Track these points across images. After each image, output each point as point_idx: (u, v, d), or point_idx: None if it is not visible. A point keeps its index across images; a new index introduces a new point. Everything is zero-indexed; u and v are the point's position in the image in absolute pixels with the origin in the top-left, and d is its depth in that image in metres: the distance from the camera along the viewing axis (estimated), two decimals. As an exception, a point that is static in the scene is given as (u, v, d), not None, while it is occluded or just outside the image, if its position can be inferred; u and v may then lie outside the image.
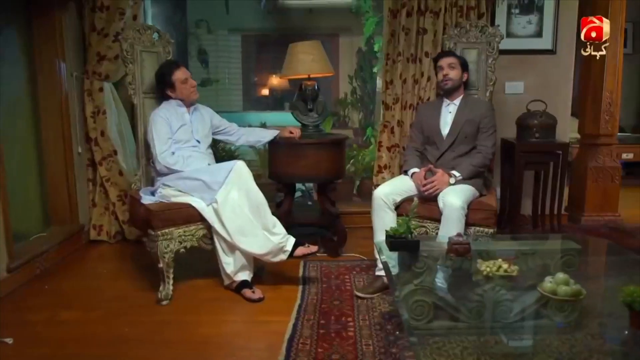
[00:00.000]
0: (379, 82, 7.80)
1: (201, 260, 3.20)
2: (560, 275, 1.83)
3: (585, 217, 4.09)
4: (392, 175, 3.89)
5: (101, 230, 3.79)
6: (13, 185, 3.05)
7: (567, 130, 3.99)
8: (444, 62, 3.05)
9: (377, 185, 3.92)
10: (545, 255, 2.46)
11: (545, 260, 2.43)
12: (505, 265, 2.02)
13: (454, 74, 3.02)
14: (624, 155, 5.21)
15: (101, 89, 3.64)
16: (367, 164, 4.51)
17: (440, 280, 2.26)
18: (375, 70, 7.41)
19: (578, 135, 4.57)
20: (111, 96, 3.73)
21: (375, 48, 7.35)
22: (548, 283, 1.83)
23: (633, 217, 4.21)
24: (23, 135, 3.43)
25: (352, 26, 8.38)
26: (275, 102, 9.08)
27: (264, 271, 3.15)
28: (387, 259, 2.33)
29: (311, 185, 4.67)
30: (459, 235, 2.26)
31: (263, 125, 4.93)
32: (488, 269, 2.02)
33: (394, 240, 2.28)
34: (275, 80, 8.00)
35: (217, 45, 8.89)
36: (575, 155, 4.30)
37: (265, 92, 9.22)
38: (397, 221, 2.38)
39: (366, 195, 4.40)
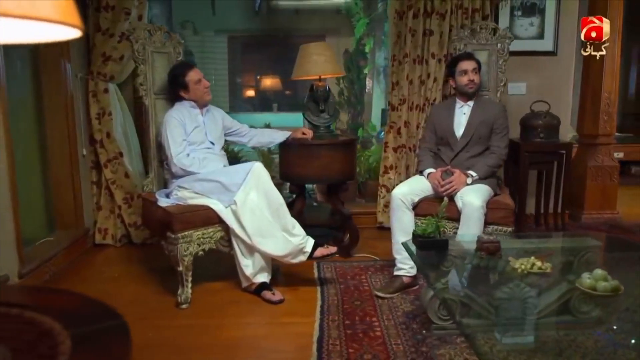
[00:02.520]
0: (369, 83, 7.86)
1: (214, 263, 3.17)
2: (599, 271, 1.87)
3: (585, 215, 4.18)
4: (399, 176, 3.92)
5: (106, 233, 3.72)
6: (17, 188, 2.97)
7: (568, 131, 4.08)
8: (469, 65, 3.05)
9: (384, 185, 3.97)
10: (568, 253, 2.51)
11: (568, 257, 2.49)
12: (539, 263, 2.06)
13: (478, 78, 3.06)
14: (615, 155, 5.33)
15: (106, 90, 3.58)
16: (370, 165, 4.53)
17: (467, 279, 2.29)
18: (365, 71, 7.45)
19: (572, 135, 4.68)
20: (116, 97, 3.67)
21: (366, 49, 7.39)
22: (587, 279, 1.87)
23: (629, 214, 4.32)
24: (27, 137, 3.34)
25: (338, 27, 8.42)
26: (264, 103, 9.06)
27: (279, 273, 3.14)
28: (415, 259, 2.35)
29: (311, 186, 4.67)
30: (488, 233, 2.29)
31: (268, 127, 4.90)
32: (523, 267, 2.05)
33: (423, 240, 2.30)
34: (268, 81, 7.97)
35: (204, 46, 8.83)
36: (574, 154, 4.39)
37: (251, 93, 9.20)
38: (425, 221, 2.41)
39: (369, 196, 4.41)
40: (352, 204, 4.43)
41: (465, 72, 3.04)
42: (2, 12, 0.42)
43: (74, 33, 0.55)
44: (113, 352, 0.69)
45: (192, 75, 3.01)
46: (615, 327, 2.03)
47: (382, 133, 6.51)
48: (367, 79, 7.58)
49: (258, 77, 9.31)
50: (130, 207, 3.69)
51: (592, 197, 4.17)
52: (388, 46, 7.01)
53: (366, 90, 7.61)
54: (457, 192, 2.85)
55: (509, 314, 2.08)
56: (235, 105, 8.90)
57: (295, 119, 7.66)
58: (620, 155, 5.44)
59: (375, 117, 7.38)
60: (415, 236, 2.35)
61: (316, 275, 3.16)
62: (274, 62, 9.18)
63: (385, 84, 7.46)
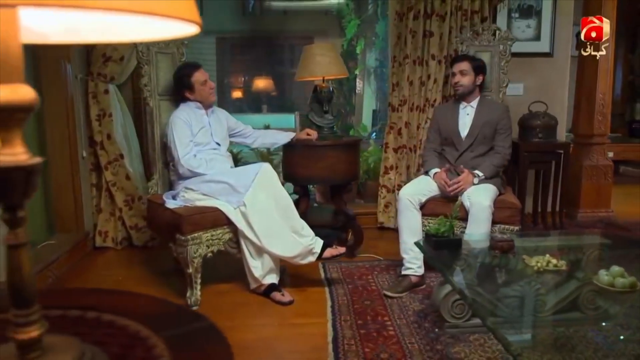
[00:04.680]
0: (359, 84, 7.88)
1: (220, 264, 3.15)
2: (616, 268, 1.91)
3: (581, 213, 4.26)
4: (400, 176, 3.95)
5: (107, 236, 3.67)
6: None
7: (565, 131, 4.15)
8: (456, 68, 3.12)
9: (384, 186, 4.00)
10: (577, 250, 2.56)
11: (578, 254, 2.53)
12: (554, 260, 2.10)
13: (465, 80, 3.09)
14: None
15: (106, 91, 3.54)
16: (369, 166, 4.55)
17: (483, 278, 2.31)
18: (356, 72, 7.47)
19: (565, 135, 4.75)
20: (116, 98, 3.63)
21: (357, 50, 7.42)
22: (604, 276, 1.91)
23: (622, 212, 4.41)
24: (26, 139, 3.27)
25: (326, 29, 8.43)
26: (252, 104, 9.04)
27: (286, 274, 3.13)
28: (429, 258, 2.37)
29: (310, 187, 4.66)
30: (502, 232, 2.32)
31: (267, 128, 4.89)
32: (539, 264, 2.08)
33: (438, 240, 2.33)
34: (260, 82, 7.94)
35: (191, 47, 8.75)
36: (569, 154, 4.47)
37: (238, 94, 9.17)
38: (438, 220, 2.43)
39: (369, 197, 4.43)
40: (351, 204, 4.44)
41: (454, 74, 3.12)
42: (148, 11, 0.42)
43: (195, 30, 0.55)
44: (215, 353, 0.68)
45: (198, 76, 3.00)
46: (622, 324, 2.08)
47: (374, 134, 6.58)
48: (358, 80, 7.61)
49: (246, 78, 9.29)
50: (131, 209, 3.65)
51: (588, 196, 4.25)
52: (379, 47, 7.11)
53: (357, 92, 7.64)
54: (463, 192, 2.89)
55: (522, 311, 2.12)
56: (224, 107, 8.84)
57: (287, 119, 7.68)
58: (610, 154, 5.54)
59: (367, 118, 7.42)
60: (429, 236, 2.38)
61: (323, 275, 3.17)
62: (262, 63, 9.18)
63: (376, 85, 7.51)
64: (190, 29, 0.55)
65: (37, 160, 0.52)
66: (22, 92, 0.48)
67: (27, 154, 0.51)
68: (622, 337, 1.98)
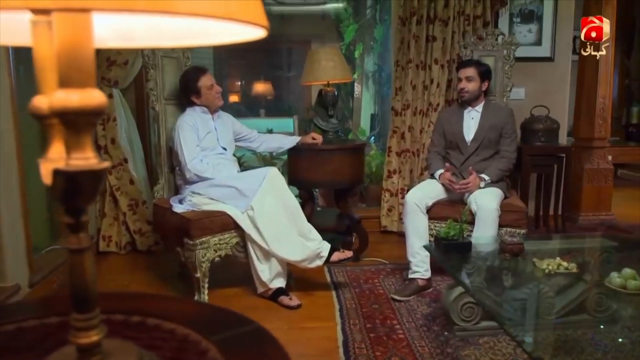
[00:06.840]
0: (357, 88, 7.89)
1: (226, 268, 3.15)
2: (627, 270, 1.93)
3: (582, 216, 4.28)
4: (403, 180, 3.96)
5: (110, 240, 3.66)
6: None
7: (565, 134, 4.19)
8: (462, 74, 3.13)
9: (387, 190, 4.01)
10: (586, 253, 2.58)
11: (586, 257, 2.55)
12: (565, 263, 2.11)
13: (471, 86, 3.11)
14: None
15: (110, 96, 3.53)
16: (371, 170, 4.56)
17: (486, 281, 2.32)
18: (355, 76, 7.48)
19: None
20: (120, 103, 3.63)
21: (355, 55, 7.44)
22: (616, 278, 1.92)
23: (622, 215, 4.45)
24: (29, 143, 3.26)
25: (323, 33, 8.45)
26: (250, 108, 9.02)
27: (292, 278, 3.13)
28: (439, 262, 2.38)
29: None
30: (512, 235, 2.34)
31: (269, 132, 4.88)
32: (550, 267, 2.10)
33: (448, 243, 2.34)
34: (260, 87, 7.94)
35: (190, 51, 8.72)
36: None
37: (236, 98, 9.17)
38: (449, 224, 2.44)
39: (371, 201, 4.44)
40: (354, 208, 4.44)
41: (459, 80, 3.13)
42: (228, 15, 0.42)
43: (263, 33, 0.56)
44: (271, 356, 0.68)
45: (205, 81, 3.00)
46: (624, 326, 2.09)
47: (373, 138, 6.60)
48: (356, 84, 7.63)
49: (244, 82, 9.29)
50: (135, 213, 3.64)
51: (588, 199, 4.28)
52: (377, 52, 7.13)
53: (355, 96, 7.66)
54: (469, 195, 2.90)
55: (530, 313, 2.13)
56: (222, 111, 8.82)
57: (286, 123, 7.68)
58: (608, 158, 5.59)
59: (365, 122, 7.43)
60: (439, 239, 2.39)
61: (329, 279, 3.17)
62: (260, 67, 9.18)
63: (374, 89, 7.53)
64: (257, 33, 0.55)
65: (106, 164, 0.53)
66: (95, 97, 0.49)
67: (96, 159, 0.51)
68: (620, 340, 2.00)
